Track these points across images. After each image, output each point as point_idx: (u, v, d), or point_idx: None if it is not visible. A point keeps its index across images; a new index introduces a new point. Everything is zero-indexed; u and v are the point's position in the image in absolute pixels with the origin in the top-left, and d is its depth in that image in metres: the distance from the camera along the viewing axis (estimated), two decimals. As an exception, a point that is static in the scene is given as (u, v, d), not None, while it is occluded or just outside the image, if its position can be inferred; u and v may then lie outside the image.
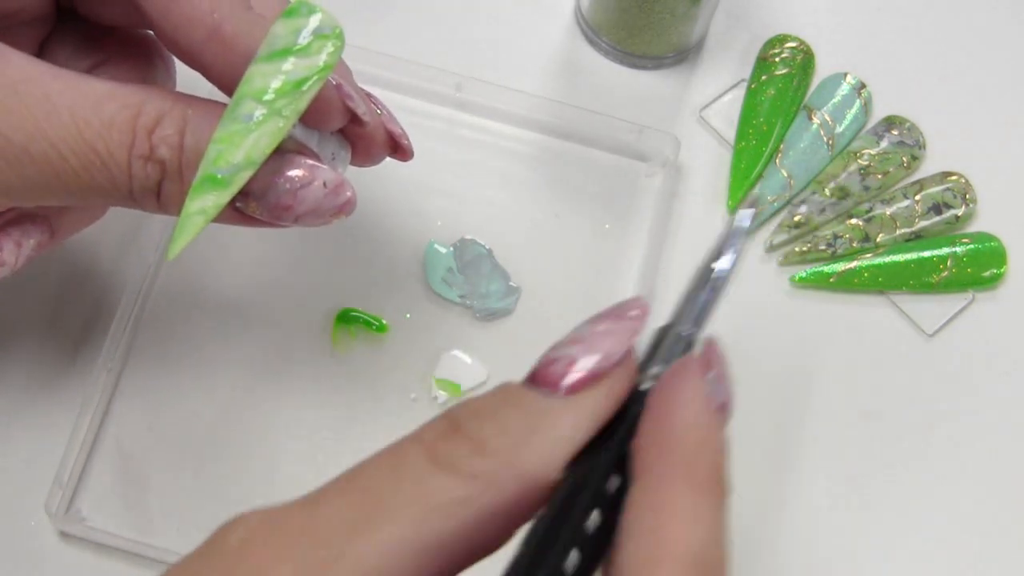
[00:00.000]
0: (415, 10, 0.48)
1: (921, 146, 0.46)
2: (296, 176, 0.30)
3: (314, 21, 0.29)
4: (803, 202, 0.45)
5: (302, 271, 0.43)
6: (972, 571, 0.41)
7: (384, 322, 0.42)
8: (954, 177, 0.45)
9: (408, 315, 0.43)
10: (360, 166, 0.35)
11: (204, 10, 0.29)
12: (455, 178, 0.45)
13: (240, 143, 0.28)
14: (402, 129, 0.35)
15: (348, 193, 0.31)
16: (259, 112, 0.28)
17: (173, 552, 0.38)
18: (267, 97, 0.28)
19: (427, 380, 0.42)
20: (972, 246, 0.44)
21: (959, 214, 0.45)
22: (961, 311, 0.44)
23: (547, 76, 0.47)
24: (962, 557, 0.41)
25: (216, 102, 0.30)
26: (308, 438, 0.41)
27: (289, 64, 0.28)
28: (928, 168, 0.46)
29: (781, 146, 0.46)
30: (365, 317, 0.42)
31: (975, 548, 0.41)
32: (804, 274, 0.44)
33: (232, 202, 0.29)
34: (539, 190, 0.45)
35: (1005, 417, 0.43)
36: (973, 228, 0.45)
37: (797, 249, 0.44)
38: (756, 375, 0.43)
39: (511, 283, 0.43)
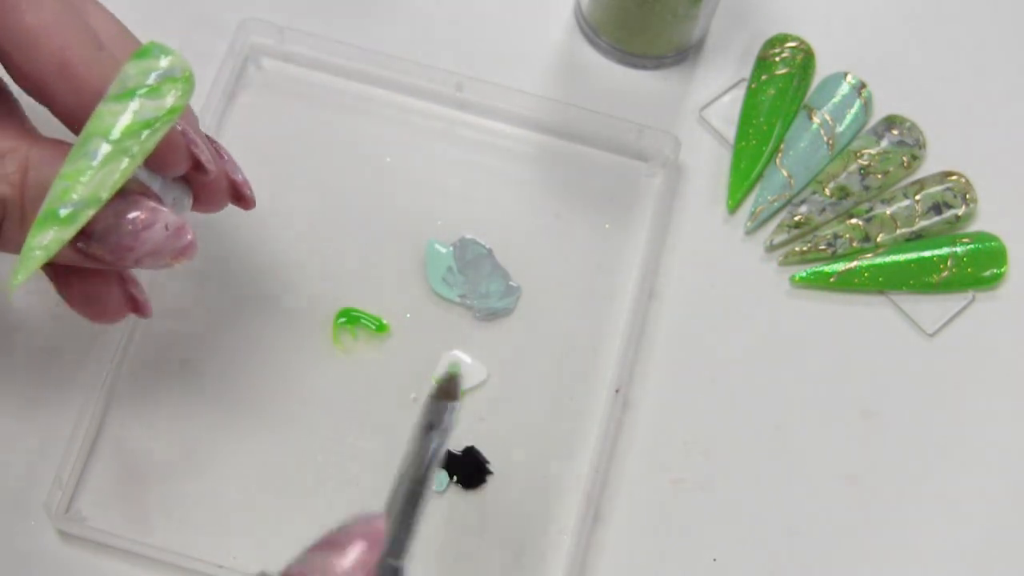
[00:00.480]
0: (415, 10, 0.48)
1: (921, 146, 0.46)
2: (138, 218, 0.29)
3: (164, 63, 0.29)
4: (803, 202, 0.45)
5: (302, 271, 0.43)
6: (973, 571, 0.41)
7: (384, 322, 0.42)
8: (954, 177, 0.45)
9: (408, 315, 0.43)
10: (202, 212, 0.35)
11: (55, 44, 0.29)
12: (455, 178, 0.45)
13: (85, 180, 0.28)
14: (244, 178, 0.35)
15: (188, 236, 0.31)
16: (106, 150, 0.28)
17: (173, 552, 0.38)
18: (114, 136, 0.28)
19: (427, 380, 0.42)
20: (972, 246, 0.44)
21: (959, 214, 0.45)
22: (961, 311, 0.44)
23: (547, 76, 0.47)
24: (963, 557, 0.41)
25: (64, 142, 0.29)
26: (308, 438, 0.41)
27: (137, 104, 0.28)
28: (928, 168, 0.46)
29: (781, 146, 0.46)
30: (365, 317, 0.42)
31: (976, 548, 0.41)
32: (804, 274, 0.44)
33: (74, 241, 0.29)
34: (539, 190, 0.45)
35: (1006, 417, 0.43)
36: (973, 228, 0.45)
37: (797, 249, 0.44)
38: (756, 375, 0.43)
39: (511, 283, 0.43)
